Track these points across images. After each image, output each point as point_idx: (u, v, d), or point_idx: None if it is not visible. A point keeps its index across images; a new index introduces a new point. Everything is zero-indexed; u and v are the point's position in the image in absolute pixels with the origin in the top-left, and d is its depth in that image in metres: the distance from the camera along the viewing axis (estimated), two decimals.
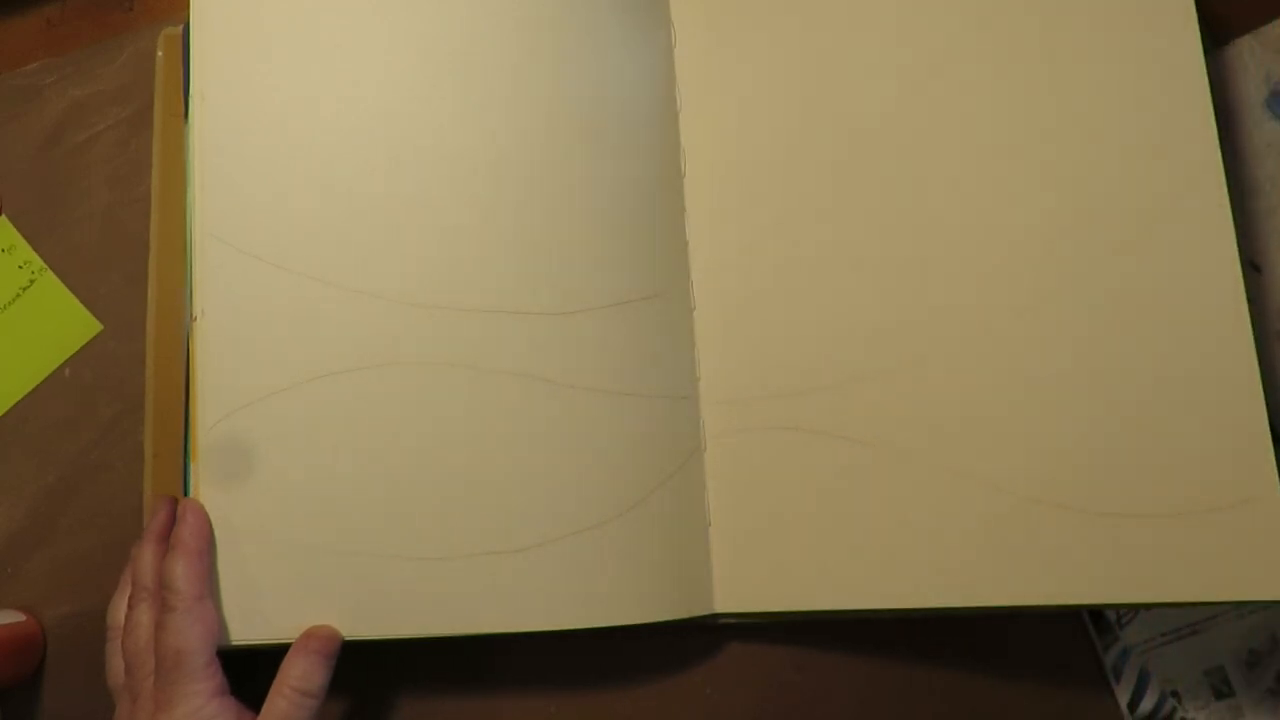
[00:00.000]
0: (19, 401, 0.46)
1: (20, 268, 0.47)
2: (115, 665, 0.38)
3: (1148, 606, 0.40)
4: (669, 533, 0.39)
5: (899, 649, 0.41)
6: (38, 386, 0.46)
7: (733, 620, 0.41)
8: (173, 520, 0.39)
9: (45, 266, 0.47)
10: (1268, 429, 0.37)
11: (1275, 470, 0.36)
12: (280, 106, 0.39)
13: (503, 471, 0.38)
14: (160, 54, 0.45)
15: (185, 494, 0.38)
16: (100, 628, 0.40)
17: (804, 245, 0.41)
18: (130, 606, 0.37)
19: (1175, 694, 0.40)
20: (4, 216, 0.48)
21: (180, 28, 0.44)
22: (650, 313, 0.41)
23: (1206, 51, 0.39)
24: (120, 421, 0.45)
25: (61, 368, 0.46)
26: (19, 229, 0.47)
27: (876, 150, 0.40)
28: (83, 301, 0.46)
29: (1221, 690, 0.40)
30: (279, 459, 0.37)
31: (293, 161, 0.39)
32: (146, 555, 0.38)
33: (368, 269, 0.39)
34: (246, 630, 0.37)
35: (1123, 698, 0.40)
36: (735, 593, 0.40)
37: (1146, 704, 0.40)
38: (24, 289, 0.47)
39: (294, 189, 0.39)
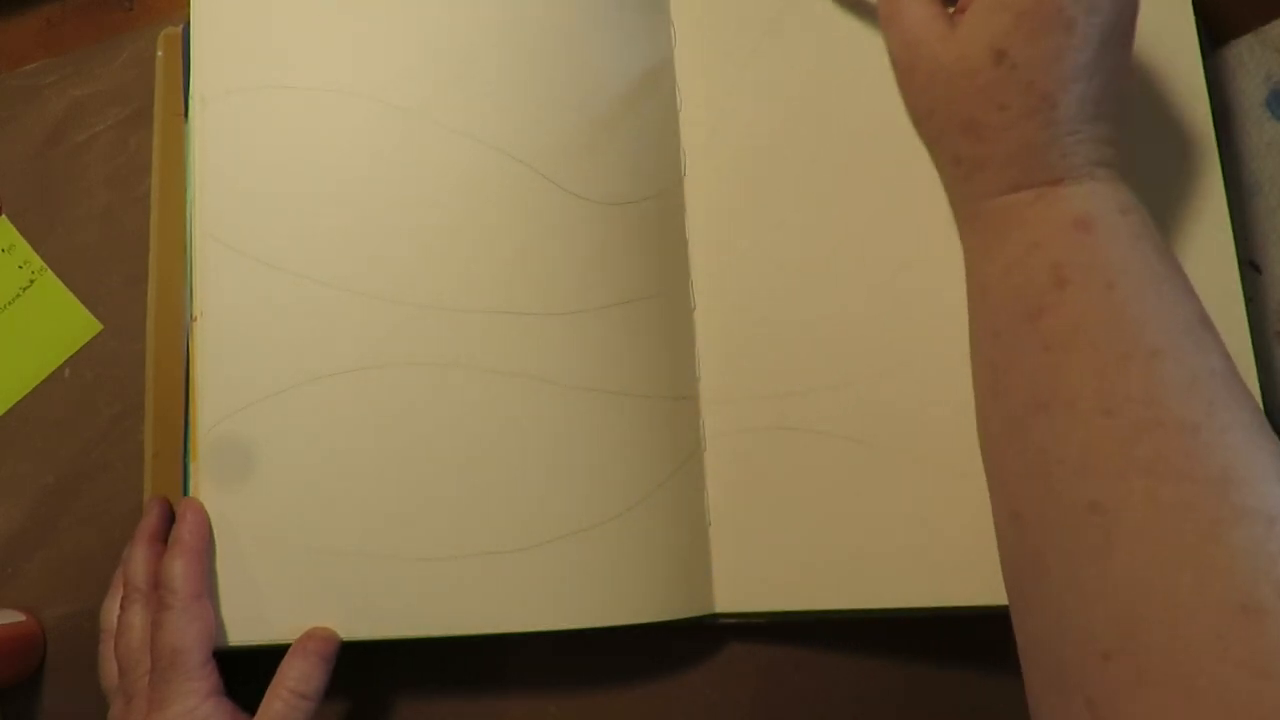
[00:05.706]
0: (19, 401, 0.46)
1: (20, 268, 0.47)
2: (109, 667, 0.38)
3: None
4: (669, 533, 0.39)
5: (899, 649, 0.41)
6: (38, 386, 0.46)
7: (733, 620, 0.41)
8: (164, 521, 0.39)
9: (45, 266, 0.47)
10: None
11: None
12: (280, 107, 0.39)
13: (502, 471, 0.38)
14: (160, 54, 0.45)
15: (185, 494, 0.38)
16: None
17: (804, 245, 0.41)
18: (123, 608, 0.37)
19: None
20: (4, 216, 0.48)
21: (180, 27, 0.44)
22: (650, 313, 0.41)
23: (1206, 52, 0.39)
24: (120, 421, 0.45)
25: (61, 368, 0.46)
26: (19, 229, 0.47)
27: (876, 150, 0.40)
28: (83, 301, 0.46)
29: None
30: (279, 460, 0.37)
31: (292, 162, 0.39)
32: (138, 556, 0.38)
33: (367, 270, 0.38)
34: (245, 631, 0.36)
35: None
36: (735, 593, 0.40)
37: None
38: (24, 289, 0.47)
39: (293, 190, 0.39)
